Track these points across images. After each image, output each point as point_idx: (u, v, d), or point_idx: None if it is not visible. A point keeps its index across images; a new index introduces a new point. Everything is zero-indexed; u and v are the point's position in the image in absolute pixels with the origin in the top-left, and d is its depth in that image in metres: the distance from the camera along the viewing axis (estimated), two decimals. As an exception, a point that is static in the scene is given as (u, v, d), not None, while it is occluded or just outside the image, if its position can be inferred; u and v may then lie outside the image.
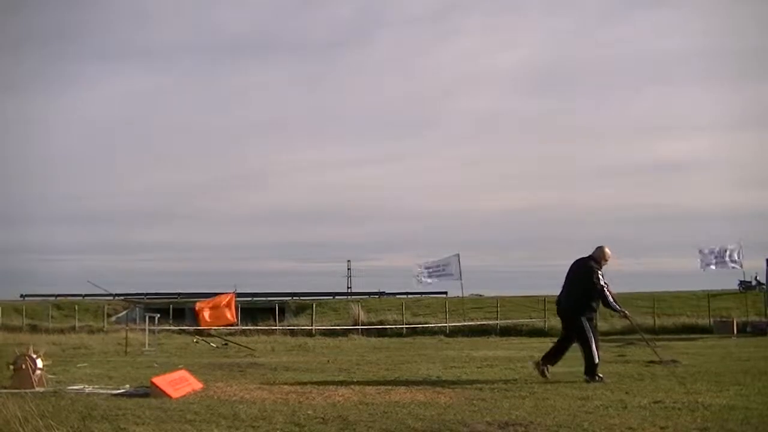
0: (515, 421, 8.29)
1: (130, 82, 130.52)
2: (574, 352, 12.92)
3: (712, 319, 37.19)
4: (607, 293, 12.68)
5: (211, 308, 28.18)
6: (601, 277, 12.69)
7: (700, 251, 40.62)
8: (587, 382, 12.26)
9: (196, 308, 29.15)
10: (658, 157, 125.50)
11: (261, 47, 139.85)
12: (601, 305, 12.93)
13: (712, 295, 42.19)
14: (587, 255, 13.05)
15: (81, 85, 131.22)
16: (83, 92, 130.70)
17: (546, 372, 12.78)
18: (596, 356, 12.47)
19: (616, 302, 12.85)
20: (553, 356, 12.99)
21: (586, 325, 12.61)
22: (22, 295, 72.41)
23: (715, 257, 40.56)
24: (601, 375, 12.48)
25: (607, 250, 13.03)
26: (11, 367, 12.24)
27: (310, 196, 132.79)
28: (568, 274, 13.25)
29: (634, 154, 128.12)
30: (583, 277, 12.74)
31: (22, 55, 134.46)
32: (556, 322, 37.88)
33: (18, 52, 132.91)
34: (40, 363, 12.31)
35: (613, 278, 13.09)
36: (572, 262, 13.24)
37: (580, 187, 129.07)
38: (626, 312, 13.49)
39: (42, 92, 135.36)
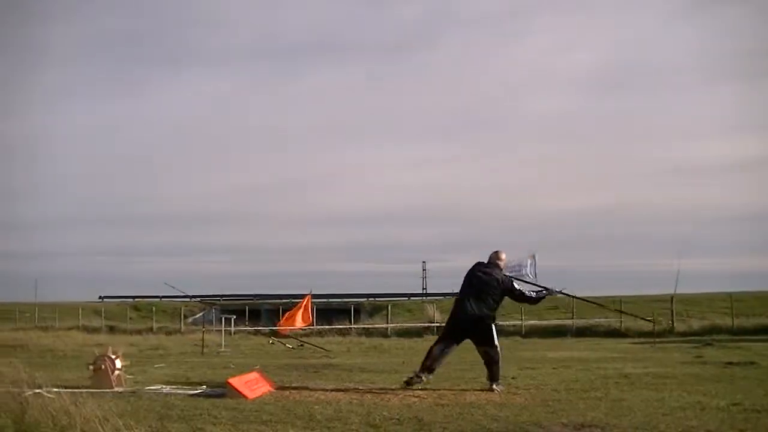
0: (591, 423, 8.20)
1: (201, 85, 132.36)
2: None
3: (793, 320, 36.39)
4: (523, 292, 12.35)
5: (289, 318, 28.41)
6: (514, 283, 12.32)
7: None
8: (492, 389, 11.77)
9: (279, 327, 29.51)
10: (731, 156, 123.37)
11: (331, 49, 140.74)
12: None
13: (793, 295, 41.23)
14: (486, 261, 12.51)
15: (155, 88, 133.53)
16: (158, 96, 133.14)
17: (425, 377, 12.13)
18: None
19: (530, 292, 12.43)
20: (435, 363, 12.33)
21: (495, 332, 12.24)
22: (100, 297, 74.04)
23: None
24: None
25: (503, 255, 12.54)
26: (91, 367, 12.43)
27: (384, 198, 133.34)
28: (471, 282, 12.42)
29: (708, 152, 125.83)
30: (497, 286, 12.15)
31: (95, 59, 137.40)
32: (632, 323, 37.58)
33: (91, 57, 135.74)
34: (118, 363, 12.48)
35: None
36: (473, 266, 12.56)
37: (655, 186, 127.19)
38: (547, 287, 12.75)
39: (116, 96, 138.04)
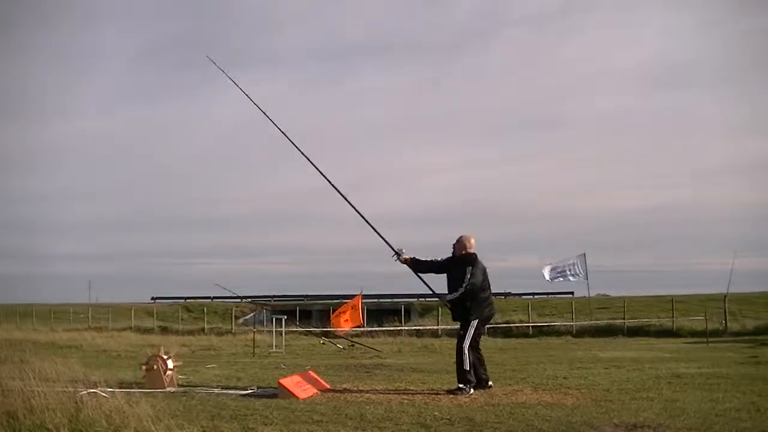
0: (643, 423, 8.12)
1: (253, 87, 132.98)
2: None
3: None
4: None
5: (340, 314, 28.46)
6: None
7: None
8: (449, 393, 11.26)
9: (332, 321, 29.44)
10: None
11: (380, 50, 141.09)
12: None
13: None
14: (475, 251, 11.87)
15: (211, 90, 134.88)
16: (214, 98, 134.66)
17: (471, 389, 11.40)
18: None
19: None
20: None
21: None
22: (152, 298, 74.97)
23: None
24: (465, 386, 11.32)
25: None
26: (143, 367, 12.56)
27: (434, 198, 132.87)
28: (486, 276, 11.89)
29: (761, 149, 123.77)
30: None
31: (151, 63, 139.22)
32: (684, 323, 37.20)
33: (148, 61, 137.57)
34: (170, 364, 12.60)
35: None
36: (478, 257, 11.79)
37: (706, 184, 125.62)
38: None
39: (172, 99, 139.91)
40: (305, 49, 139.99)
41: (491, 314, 12.13)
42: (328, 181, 12.96)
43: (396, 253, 12.00)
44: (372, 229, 12.51)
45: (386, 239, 12.27)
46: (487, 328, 39.40)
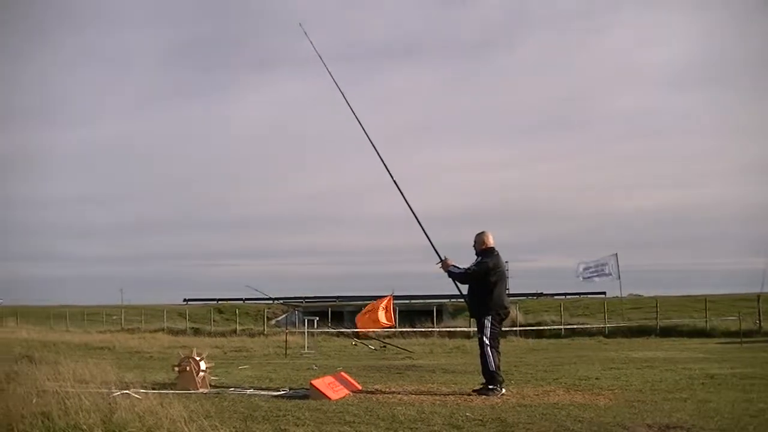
0: (676, 424, 8.04)
1: (282, 89, 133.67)
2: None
3: None
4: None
5: (368, 313, 28.32)
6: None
7: None
8: (478, 394, 11.08)
9: (357, 321, 29.19)
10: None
11: (409, 50, 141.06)
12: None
13: None
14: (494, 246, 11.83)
15: (239, 92, 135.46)
16: (242, 99, 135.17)
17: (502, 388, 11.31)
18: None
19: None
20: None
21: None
22: (185, 300, 75.38)
23: None
24: (494, 386, 11.16)
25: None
26: (176, 368, 12.60)
27: (464, 198, 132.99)
28: (503, 270, 11.84)
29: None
30: None
31: (177, 65, 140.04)
32: (717, 323, 36.83)
33: (174, 63, 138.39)
34: (203, 365, 12.63)
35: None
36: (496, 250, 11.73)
37: (740, 183, 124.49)
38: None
39: (200, 101, 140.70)
40: (330, 51, 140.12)
41: (505, 311, 11.84)
42: (401, 192, 12.88)
43: (441, 260, 11.96)
44: (425, 235, 12.50)
45: (434, 245, 12.25)
46: (519, 328, 39.41)
